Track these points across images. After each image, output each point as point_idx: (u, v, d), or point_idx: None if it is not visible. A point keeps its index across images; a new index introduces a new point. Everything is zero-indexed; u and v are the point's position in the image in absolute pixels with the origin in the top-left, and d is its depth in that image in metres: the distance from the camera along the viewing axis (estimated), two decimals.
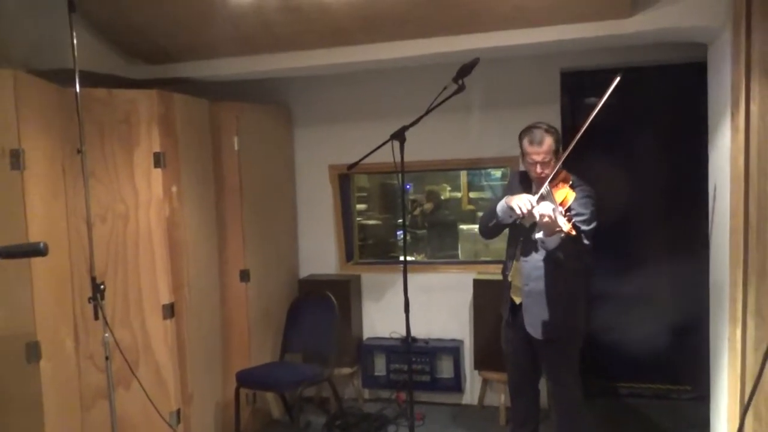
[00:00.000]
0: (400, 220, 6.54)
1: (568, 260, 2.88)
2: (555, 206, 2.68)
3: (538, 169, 2.99)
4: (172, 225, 3.53)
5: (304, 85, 4.68)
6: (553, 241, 2.81)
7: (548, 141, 2.99)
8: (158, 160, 3.43)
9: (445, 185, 6.76)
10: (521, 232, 3.14)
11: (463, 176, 6.51)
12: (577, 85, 4.45)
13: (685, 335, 4.40)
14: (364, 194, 6.03)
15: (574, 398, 3.17)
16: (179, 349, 3.58)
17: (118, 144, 3.37)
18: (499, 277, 3.42)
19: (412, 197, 6.71)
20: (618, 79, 2.80)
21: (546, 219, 2.65)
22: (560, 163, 2.98)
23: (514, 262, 3.21)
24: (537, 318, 3.09)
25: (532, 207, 2.75)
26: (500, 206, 3.04)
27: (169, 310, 3.50)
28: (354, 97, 4.64)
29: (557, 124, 4.04)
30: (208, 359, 3.91)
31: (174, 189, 3.55)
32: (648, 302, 4.51)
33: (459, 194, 6.69)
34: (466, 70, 2.85)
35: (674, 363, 4.50)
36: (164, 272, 3.47)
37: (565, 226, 2.63)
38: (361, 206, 5.84)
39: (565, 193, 2.89)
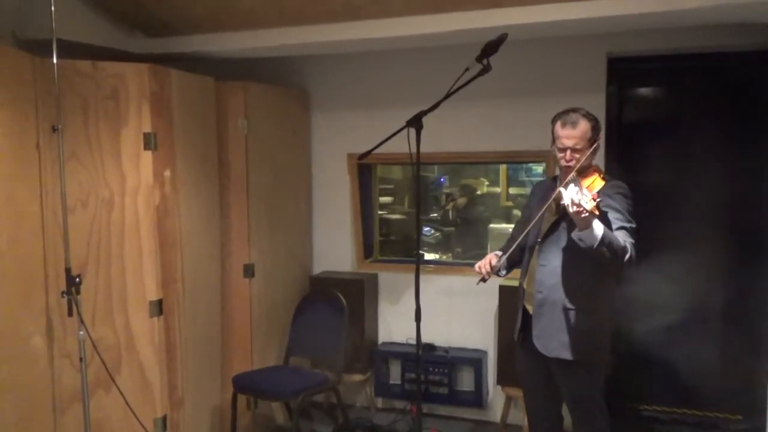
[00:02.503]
0: (431, 215, 6.18)
1: (614, 259, 2.42)
2: (579, 188, 2.30)
3: (568, 156, 2.61)
4: (164, 213, 3.21)
5: (325, 66, 4.33)
6: (590, 236, 2.37)
7: (583, 125, 2.62)
8: (149, 142, 3.11)
9: (483, 179, 6.32)
10: (539, 233, 2.76)
11: (503, 170, 6.07)
12: (626, 72, 3.97)
13: (739, 357, 3.90)
14: (391, 186, 5.63)
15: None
16: (168, 350, 3.27)
17: (103, 122, 3.05)
18: None
19: (446, 191, 6.32)
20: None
21: (575, 207, 2.26)
22: (589, 154, 2.63)
23: (530, 266, 2.82)
24: (546, 331, 2.69)
25: (492, 267, 2.71)
26: None
27: (157, 307, 3.18)
28: (379, 80, 4.25)
29: (601, 116, 3.55)
30: (204, 361, 3.59)
31: (167, 174, 3.23)
32: (696, 316, 3.99)
33: (498, 189, 6.24)
34: (491, 47, 2.45)
35: (724, 388, 3.97)
36: (152, 265, 3.15)
37: (588, 204, 2.25)
38: (386, 199, 5.46)
39: (593, 179, 2.55)
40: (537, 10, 3.00)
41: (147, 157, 3.11)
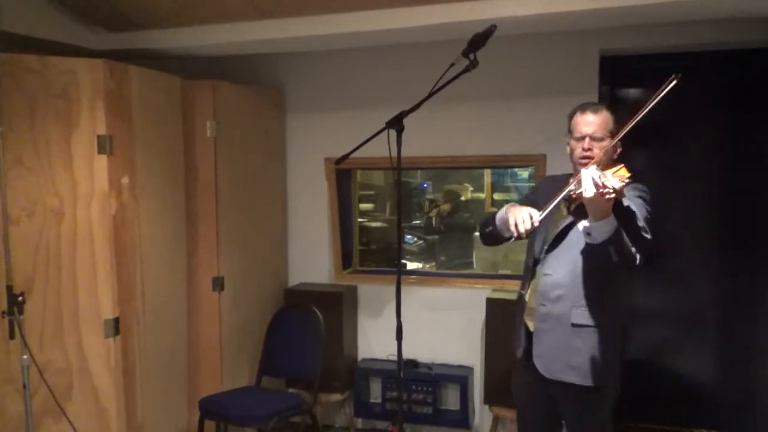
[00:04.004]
0: (414, 222, 5.95)
1: (620, 263, 2.14)
2: (601, 173, 2.01)
3: (586, 145, 2.34)
4: (121, 223, 2.93)
5: (302, 65, 4.07)
6: (602, 230, 2.09)
7: (605, 113, 2.39)
8: (104, 145, 2.83)
9: (467, 185, 6.11)
10: (546, 238, 2.47)
11: (487, 175, 5.86)
12: (620, 72, 3.75)
13: (738, 370, 3.71)
14: (372, 192, 5.40)
15: None
16: (126, 373, 2.99)
17: (52, 124, 2.78)
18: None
19: (429, 197, 6.11)
20: (675, 81, 2.17)
21: (594, 191, 1.96)
22: (610, 149, 2.36)
23: (532, 277, 2.52)
24: (550, 350, 2.40)
25: (533, 224, 2.24)
26: (500, 215, 2.47)
27: (113, 327, 2.90)
28: (360, 80, 4.00)
29: None
30: (168, 383, 3.31)
31: (125, 180, 2.95)
32: (693, 327, 3.79)
33: (482, 195, 6.04)
34: (479, 40, 2.20)
35: (719, 403, 3.76)
36: (107, 281, 2.87)
37: (617, 183, 1.96)
38: (367, 206, 5.22)
39: (619, 167, 2.18)
40: (527, 1, 2.77)
41: (102, 161, 2.84)
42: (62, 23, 3.27)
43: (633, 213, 2.15)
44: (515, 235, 2.27)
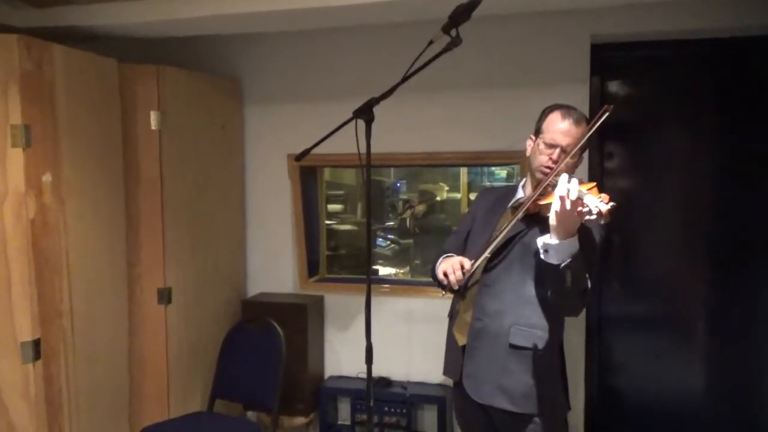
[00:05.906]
0: (387, 224, 5.59)
1: (570, 292, 1.95)
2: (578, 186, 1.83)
3: (555, 155, 2.08)
4: (42, 229, 2.50)
5: (261, 50, 3.69)
6: (565, 250, 1.87)
7: (584, 128, 2.11)
8: (19, 136, 2.40)
9: (442, 184, 5.76)
10: (488, 244, 2.20)
11: (463, 174, 5.52)
12: (612, 62, 3.42)
13: (730, 385, 3.40)
14: (341, 192, 5.01)
15: None
16: (49, 404, 2.56)
17: None
18: None
19: (403, 197, 5.76)
20: (607, 113, 1.97)
21: (566, 205, 1.80)
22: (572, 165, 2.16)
23: (468, 286, 2.25)
24: (481, 370, 2.16)
25: (465, 274, 2.08)
26: (435, 266, 2.31)
27: (33, 350, 2.47)
28: (326, 67, 3.62)
29: (585, 111, 3.02)
30: (104, 413, 2.88)
31: (46, 178, 2.52)
32: (680, 338, 3.46)
33: (458, 195, 5.69)
34: (461, 14, 1.87)
35: (710, 420, 3.43)
36: (24, 297, 2.44)
37: (603, 205, 1.75)
38: (336, 207, 4.83)
39: (592, 185, 1.98)
40: None
41: (16, 156, 2.41)
42: None
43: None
44: (446, 286, 2.11)
